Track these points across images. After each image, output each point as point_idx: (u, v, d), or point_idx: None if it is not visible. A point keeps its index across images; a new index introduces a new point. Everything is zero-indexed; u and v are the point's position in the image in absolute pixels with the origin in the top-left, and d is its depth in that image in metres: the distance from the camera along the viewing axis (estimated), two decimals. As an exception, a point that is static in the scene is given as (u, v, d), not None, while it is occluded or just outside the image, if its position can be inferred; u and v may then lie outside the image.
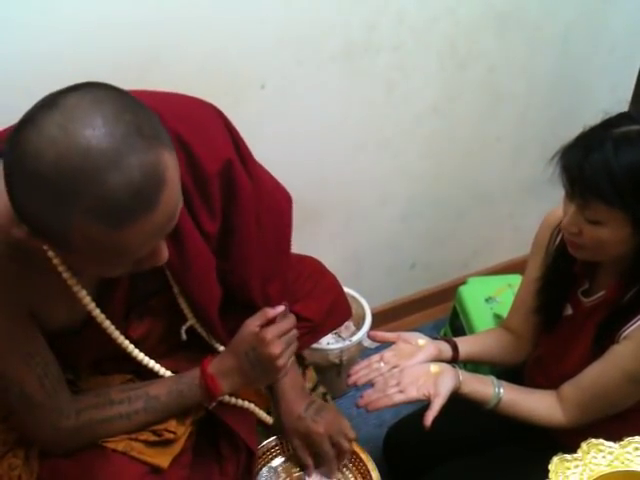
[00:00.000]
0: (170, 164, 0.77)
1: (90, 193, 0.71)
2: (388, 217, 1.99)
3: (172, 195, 0.78)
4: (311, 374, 1.54)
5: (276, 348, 1.11)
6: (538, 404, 1.25)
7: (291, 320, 1.17)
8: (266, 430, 1.32)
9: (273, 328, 1.12)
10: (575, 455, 0.97)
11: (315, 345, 1.69)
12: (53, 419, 1.01)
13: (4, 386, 0.96)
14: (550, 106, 2.08)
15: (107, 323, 1.01)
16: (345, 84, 1.64)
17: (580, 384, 1.21)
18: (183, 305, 1.11)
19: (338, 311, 1.46)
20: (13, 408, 1.00)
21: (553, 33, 1.93)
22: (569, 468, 0.96)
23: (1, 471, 1.03)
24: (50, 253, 0.90)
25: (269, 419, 1.31)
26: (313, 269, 1.44)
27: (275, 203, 1.19)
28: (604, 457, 0.96)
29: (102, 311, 1.00)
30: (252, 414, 1.26)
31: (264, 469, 1.30)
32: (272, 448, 1.32)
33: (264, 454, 1.32)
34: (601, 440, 0.97)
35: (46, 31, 1.20)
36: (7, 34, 1.18)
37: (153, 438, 1.07)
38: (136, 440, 1.06)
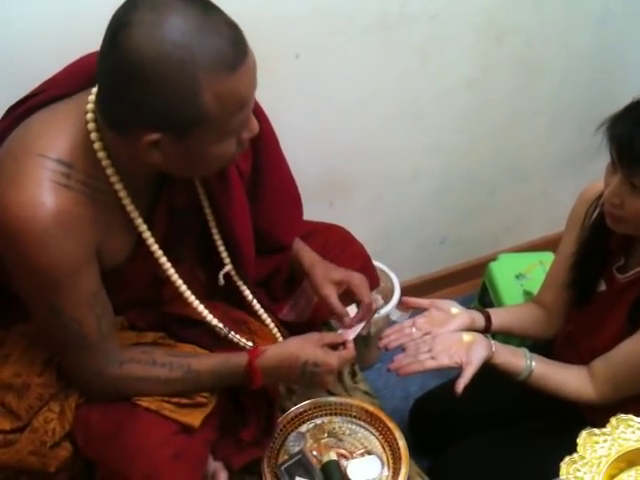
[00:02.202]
0: None
1: (203, 54, 0.84)
2: (419, 191, 1.98)
3: (253, 54, 0.91)
4: (340, 344, 1.56)
5: (333, 377, 1.14)
6: (569, 378, 1.25)
7: (352, 352, 1.19)
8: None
9: (341, 357, 1.15)
10: (604, 430, 0.97)
11: (344, 316, 1.71)
12: (100, 363, 1.04)
13: (62, 323, 0.98)
14: (587, 82, 2.04)
15: (155, 247, 1.06)
16: (379, 55, 1.63)
17: (612, 360, 1.21)
18: (221, 248, 1.16)
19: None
20: (65, 347, 1.02)
21: (592, 7, 1.89)
22: (597, 442, 0.96)
23: (37, 424, 1.06)
24: (113, 178, 0.97)
25: None
26: (341, 237, 1.45)
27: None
28: (633, 432, 0.97)
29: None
30: None
31: (292, 434, 1.33)
32: (300, 414, 1.35)
33: (292, 419, 1.35)
34: (630, 416, 0.98)
35: None
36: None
37: (185, 401, 1.09)
38: (168, 402, 1.08)
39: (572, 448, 0.96)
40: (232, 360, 1.12)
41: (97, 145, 0.95)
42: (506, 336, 1.52)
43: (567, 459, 0.94)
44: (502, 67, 1.85)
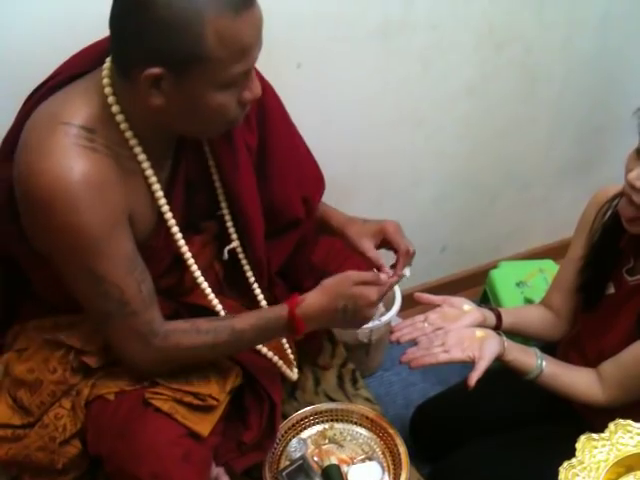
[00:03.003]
0: None
1: None
2: (420, 198, 1.98)
3: (260, 10, 0.94)
4: (341, 350, 1.57)
5: (374, 310, 1.15)
6: (578, 380, 1.25)
7: (389, 287, 1.19)
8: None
9: (380, 290, 1.14)
10: (602, 435, 0.97)
11: (345, 324, 1.71)
12: (144, 332, 1.04)
13: (104, 291, 0.99)
14: (587, 89, 2.05)
15: (175, 229, 1.08)
16: (381, 62, 1.64)
17: (621, 363, 1.21)
18: (229, 224, 1.18)
19: None
20: (109, 317, 1.02)
21: (592, 15, 1.89)
22: (596, 447, 0.96)
23: (47, 420, 1.07)
24: (132, 142, 1.00)
25: (294, 376, 1.35)
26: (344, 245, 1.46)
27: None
28: (631, 438, 0.97)
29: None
30: (277, 369, 1.30)
31: (294, 440, 1.34)
32: (302, 420, 1.35)
33: (294, 425, 1.35)
34: (629, 421, 0.98)
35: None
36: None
37: (197, 402, 1.10)
38: (181, 402, 1.09)
39: (572, 454, 0.96)
40: (273, 313, 1.13)
41: (115, 108, 0.98)
42: (512, 336, 1.53)
43: (566, 464, 0.95)
44: (502, 74, 1.85)
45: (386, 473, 1.29)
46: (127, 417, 1.06)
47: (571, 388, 1.25)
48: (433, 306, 1.35)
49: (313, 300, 1.12)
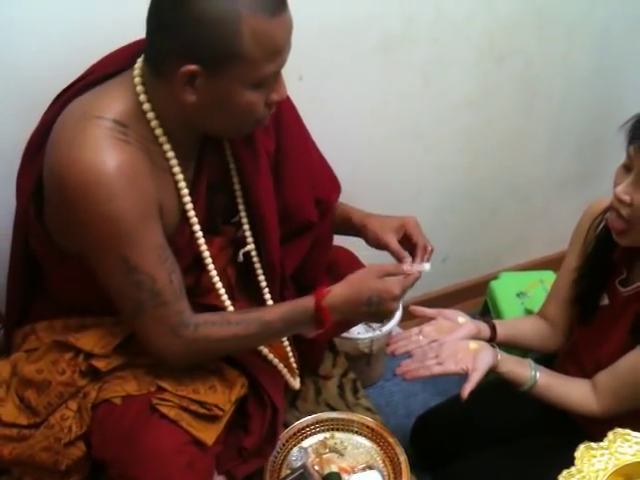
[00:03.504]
0: None
1: None
2: (421, 209, 1.96)
3: (291, 15, 0.98)
4: (342, 360, 1.58)
5: (397, 304, 1.17)
6: (573, 391, 1.26)
7: (413, 280, 1.20)
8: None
9: (403, 284, 1.16)
10: (601, 444, 0.97)
11: (345, 334, 1.72)
12: (175, 323, 1.05)
13: (136, 280, 1.00)
14: (587, 103, 2.07)
15: (197, 227, 1.11)
16: (382, 76, 1.66)
17: (615, 373, 1.22)
18: (246, 227, 1.22)
19: None
20: (140, 307, 1.03)
21: (592, 30, 1.92)
22: (595, 456, 0.97)
23: (54, 420, 1.08)
24: (162, 139, 1.03)
25: (297, 385, 1.36)
26: (345, 258, 1.48)
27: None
28: (630, 447, 0.97)
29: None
30: (281, 377, 1.32)
31: (295, 449, 1.34)
32: (303, 429, 1.36)
33: (295, 434, 1.36)
34: (628, 430, 0.98)
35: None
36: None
37: (203, 411, 1.11)
38: (187, 410, 1.10)
39: (571, 464, 0.96)
40: (300, 304, 1.15)
41: (146, 106, 1.01)
42: (509, 348, 1.54)
43: (565, 473, 0.95)
44: (503, 88, 1.88)
45: (386, 482, 1.30)
46: (133, 422, 1.06)
47: (565, 399, 1.26)
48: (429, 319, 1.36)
49: (339, 292, 1.14)
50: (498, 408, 1.49)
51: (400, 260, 1.26)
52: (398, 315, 1.90)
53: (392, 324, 1.89)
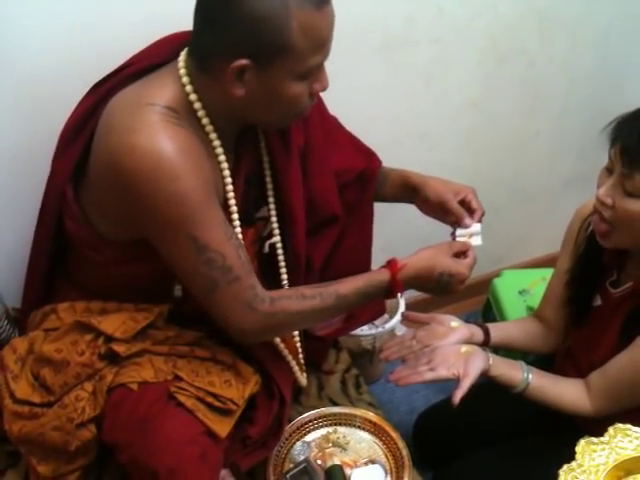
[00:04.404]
0: None
1: None
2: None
3: (333, 8, 1.00)
4: (345, 356, 1.59)
5: (464, 284, 1.21)
6: (566, 391, 1.27)
7: (475, 259, 1.25)
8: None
9: (469, 265, 1.22)
10: (602, 438, 0.98)
11: (348, 331, 1.73)
12: (249, 297, 1.06)
13: (207, 258, 1.02)
14: (589, 104, 2.07)
15: (235, 215, 1.12)
16: (384, 76, 1.67)
17: (607, 373, 1.23)
18: (274, 219, 1.24)
19: (372, 305, 1.47)
20: (213, 285, 1.04)
21: (594, 30, 1.93)
22: (595, 451, 0.98)
23: (67, 400, 1.08)
24: (208, 128, 1.05)
25: (304, 381, 1.39)
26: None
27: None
28: (630, 442, 0.98)
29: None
30: (292, 372, 1.34)
31: (298, 443, 1.36)
32: (306, 423, 1.38)
33: (298, 429, 1.37)
34: (628, 425, 0.99)
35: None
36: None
37: (218, 404, 1.12)
38: (202, 401, 1.11)
39: (572, 460, 0.97)
40: (375, 278, 1.17)
41: (193, 96, 1.04)
42: (508, 350, 1.55)
43: (565, 467, 0.96)
44: (505, 88, 1.88)
45: (389, 476, 1.31)
46: (149, 409, 1.07)
47: (559, 400, 1.26)
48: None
49: (412, 266, 1.18)
50: (500, 405, 1.49)
51: (459, 219, 1.30)
52: (399, 313, 1.92)
53: (394, 321, 1.90)
